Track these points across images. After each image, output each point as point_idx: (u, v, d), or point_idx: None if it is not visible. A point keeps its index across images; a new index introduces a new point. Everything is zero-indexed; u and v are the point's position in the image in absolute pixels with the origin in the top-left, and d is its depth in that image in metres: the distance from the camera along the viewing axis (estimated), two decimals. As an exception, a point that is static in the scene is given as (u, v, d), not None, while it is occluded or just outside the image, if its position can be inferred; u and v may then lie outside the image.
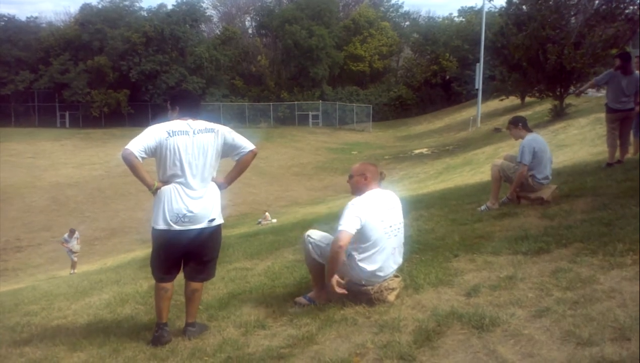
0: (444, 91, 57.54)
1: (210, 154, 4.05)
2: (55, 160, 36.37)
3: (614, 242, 4.34)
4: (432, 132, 42.78)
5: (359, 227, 4.00)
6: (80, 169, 33.36)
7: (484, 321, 3.34)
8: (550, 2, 14.65)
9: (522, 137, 6.77)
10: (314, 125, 53.20)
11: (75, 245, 16.86)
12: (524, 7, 26.90)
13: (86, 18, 55.58)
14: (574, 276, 3.84)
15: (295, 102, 54.78)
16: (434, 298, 4.00)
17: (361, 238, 4.06)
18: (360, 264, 4.08)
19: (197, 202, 4.03)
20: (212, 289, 5.44)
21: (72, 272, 15.55)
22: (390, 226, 4.16)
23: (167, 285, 4.16)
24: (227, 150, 4.16)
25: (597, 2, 11.61)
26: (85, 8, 57.34)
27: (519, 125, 6.94)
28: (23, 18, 62.08)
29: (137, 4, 59.48)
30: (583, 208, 5.90)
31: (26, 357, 4.20)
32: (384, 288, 4.09)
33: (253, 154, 4.20)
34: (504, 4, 29.83)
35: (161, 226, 4.02)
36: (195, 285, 4.21)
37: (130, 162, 3.90)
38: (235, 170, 4.28)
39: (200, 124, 4.10)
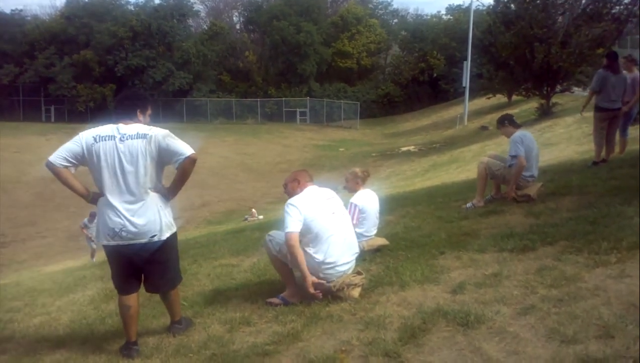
0: (431, 89, 57.57)
1: (142, 162, 3.67)
2: (41, 154, 35.09)
3: (598, 240, 4.37)
4: (420, 130, 42.81)
5: (301, 220, 4.14)
6: (65, 164, 33.06)
7: (469, 318, 3.35)
8: (538, 1, 14.76)
9: (512, 134, 6.83)
10: (302, 122, 53.04)
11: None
12: (511, 5, 27.04)
13: (72, 11, 55.07)
14: (558, 274, 3.87)
15: (283, 99, 54.58)
16: (419, 295, 4.01)
17: (308, 230, 4.18)
18: (314, 256, 4.20)
19: (132, 216, 3.71)
20: (198, 286, 5.42)
21: (92, 260, 15.29)
22: (333, 213, 4.32)
23: (130, 301, 3.86)
24: (165, 157, 3.72)
25: (584, 1, 11.69)
26: (71, 1, 56.80)
27: (505, 122, 7.03)
28: (7, 10, 61.28)
29: (124, -2, 59.10)
30: (568, 207, 5.94)
31: (8, 354, 4.15)
32: (346, 285, 4.18)
33: (191, 161, 3.68)
34: (492, 3, 29.89)
35: (101, 240, 3.82)
36: (164, 294, 4.10)
37: (54, 173, 3.68)
38: (175, 179, 3.81)
39: (132, 128, 3.72)
